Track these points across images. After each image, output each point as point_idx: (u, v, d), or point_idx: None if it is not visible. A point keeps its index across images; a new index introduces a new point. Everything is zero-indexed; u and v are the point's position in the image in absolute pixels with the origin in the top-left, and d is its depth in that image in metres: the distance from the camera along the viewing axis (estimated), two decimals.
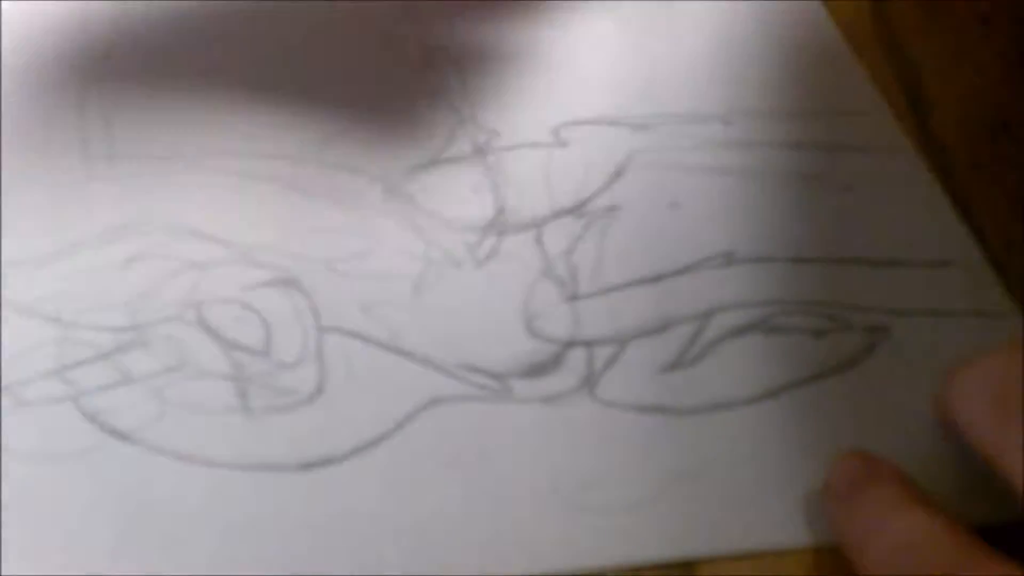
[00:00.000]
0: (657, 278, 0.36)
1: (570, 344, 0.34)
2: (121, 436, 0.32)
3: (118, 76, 0.41)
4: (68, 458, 0.32)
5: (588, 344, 0.34)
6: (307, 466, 0.32)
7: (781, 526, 0.31)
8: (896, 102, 0.41)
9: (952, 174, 0.39)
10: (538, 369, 0.34)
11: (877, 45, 0.43)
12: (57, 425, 0.33)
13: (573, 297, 0.35)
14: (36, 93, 0.40)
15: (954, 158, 0.39)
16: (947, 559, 0.27)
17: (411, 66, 0.41)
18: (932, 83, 0.42)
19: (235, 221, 0.37)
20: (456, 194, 0.38)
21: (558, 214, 0.37)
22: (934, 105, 0.41)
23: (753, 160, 0.40)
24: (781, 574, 0.30)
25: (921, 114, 0.41)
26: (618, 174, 0.39)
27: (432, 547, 0.30)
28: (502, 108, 0.41)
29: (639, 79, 0.36)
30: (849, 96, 0.42)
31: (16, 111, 0.40)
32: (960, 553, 0.27)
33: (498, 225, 0.37)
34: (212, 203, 0.37)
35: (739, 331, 0.35)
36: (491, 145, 0.38)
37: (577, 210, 0.37)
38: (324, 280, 0.36)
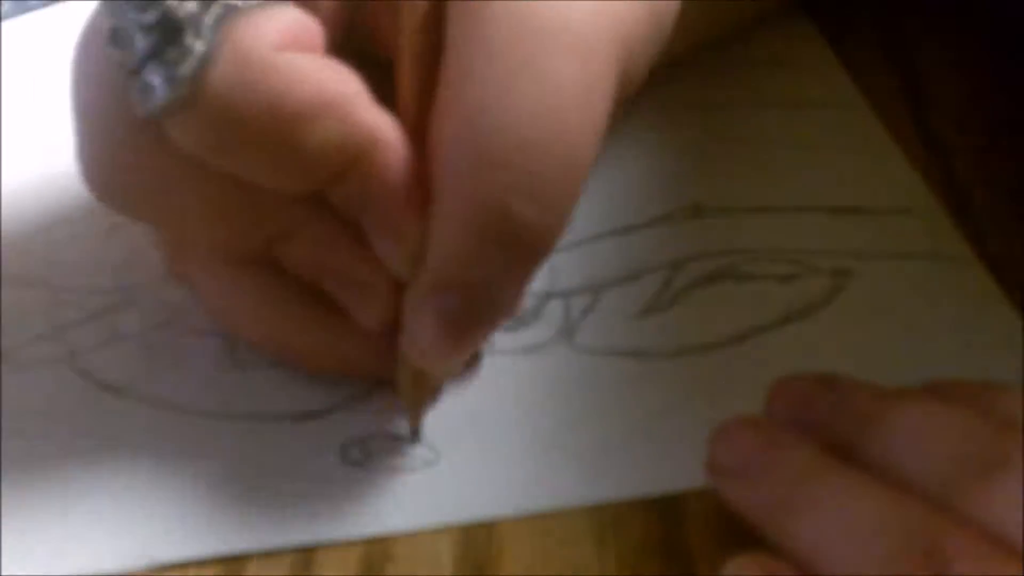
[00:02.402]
0: (628, 230, 0.37)
1: (547, 296, 0.35)
2: (114, 391, 0.33)
3: None
4: (64, 415, 0.33)
5: (565, 295, 0.35)
6: (295, 417, 0.32)
7: None
8: (896, 102, 0.41)
9: (952, 174, 0.39)
10: (517, 322, 0.34)
11: (877, 46, 0.44)
12: (52, 384, 0.34)
13: None
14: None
15: (954, 158, 0.39)
16: (915, 525, 0.23)
17: None
18: (932, 83, 0.43)
19: None
20: None
21: None
22: (934, 105, 0.42)
23: (717, 117, 0.41)
24: None
25: (921, 114, 0.41)
26: None
27: (411, 491, 0.31)
28: None
29: None
30: (808, 56, 0.43)
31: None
32: (929, 518, 0.23)
33: None
34: None
35: (708, 279, 0.35)
36: None
37: None
38: None
